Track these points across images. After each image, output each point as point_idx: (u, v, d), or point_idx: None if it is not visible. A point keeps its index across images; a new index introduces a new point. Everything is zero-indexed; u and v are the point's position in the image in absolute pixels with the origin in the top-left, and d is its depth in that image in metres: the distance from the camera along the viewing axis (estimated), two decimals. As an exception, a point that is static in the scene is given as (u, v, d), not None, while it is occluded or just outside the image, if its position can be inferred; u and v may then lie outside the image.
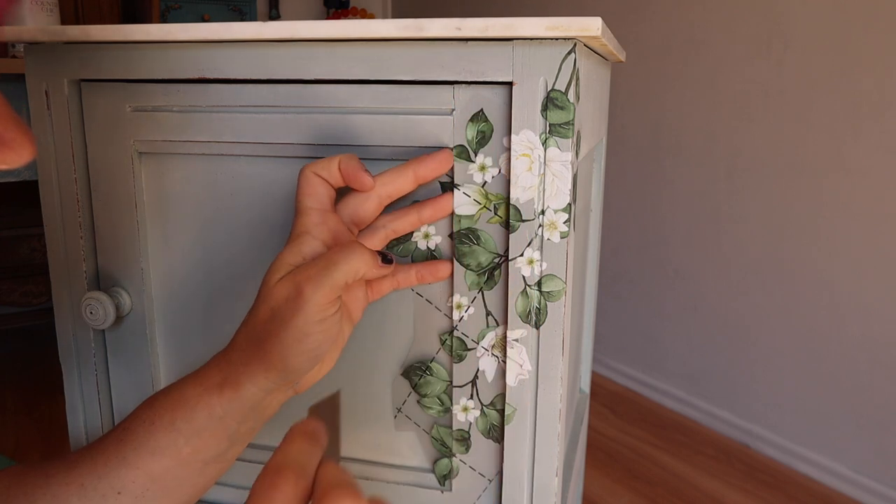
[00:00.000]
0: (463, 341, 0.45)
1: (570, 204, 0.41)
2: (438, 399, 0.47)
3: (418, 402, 0.47)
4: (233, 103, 0.45)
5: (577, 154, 0.42)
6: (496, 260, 0.43)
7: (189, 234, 0.49)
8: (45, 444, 1.57)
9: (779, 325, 1.53)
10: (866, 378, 1.39)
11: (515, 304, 0.43)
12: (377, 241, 0.43)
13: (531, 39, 0.39)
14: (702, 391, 1.72)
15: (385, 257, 0.40)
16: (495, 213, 0.43)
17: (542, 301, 0.42)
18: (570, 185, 0.41)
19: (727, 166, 1.60)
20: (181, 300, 0.50)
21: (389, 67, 0.42)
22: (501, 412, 0.45)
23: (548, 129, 0.40)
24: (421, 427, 0.48)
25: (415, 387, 0.47)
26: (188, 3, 2.38)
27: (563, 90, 0.40)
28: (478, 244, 0.43)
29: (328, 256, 0.39)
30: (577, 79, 0.40)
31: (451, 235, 0.44)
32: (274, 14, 2.68)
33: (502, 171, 0.42)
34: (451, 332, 0.45)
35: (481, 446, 0.46)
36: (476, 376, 0.45)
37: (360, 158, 0.44)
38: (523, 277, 0.42)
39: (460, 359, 0.45)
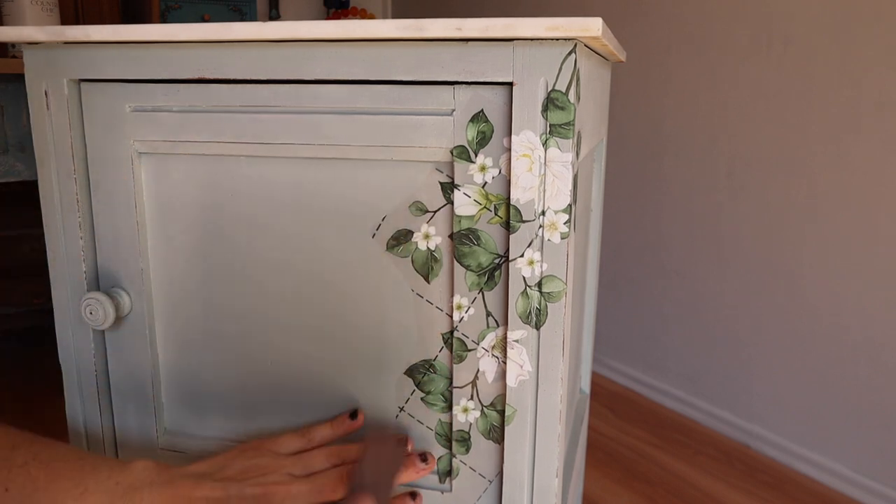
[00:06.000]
0: (463, 342, 0.45)
1: (570, 204, 0.41)
2: (442, 395, 0.47)
3: (422, 399, 0.47)
4: (233, 103, 0.45)
5: (577, 154, 0.42)
6: (496, 260, 0.43)
7: (189, 234, 0.49)
8: (45, 444, 1.57)
9: (779, 325, 1.53)
10: (866, 378, 1.39)
11: (516, 304, 0.43)
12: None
13: (531, 40, 0.39)
14: (702, 391, 1.72)
15: (424, 458, 0.46)
16: (496, 214, 0.43)
17: (543, 302, 0.42)
18: (570, 186, 0.41)
19: (727, 166, 1.60)
20: (181, 300, 0.50)
21: (389, 68, 0.42)
22: (502, 413, 0.45)
23: (548, 129, 0.40)
24: (424, 424, 0.48)
25: (418, 385, 0.47)
26: (188, 3, 2.38)
27: (564, 90, 0.40)
28: (478, 245, 0.43)
29: None
30: (578, 79, 0.40)
31: (451, 236, 0.44)
32: (274, 14, 2.68)
33: (503, 172, 0.42)
34: (451, 333, 0.45)
35: (481, 447, 0.46)
36: (476, 377, 0.45)
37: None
38: (524, 278, 0.42)
39: (461, 359, 0.45)
